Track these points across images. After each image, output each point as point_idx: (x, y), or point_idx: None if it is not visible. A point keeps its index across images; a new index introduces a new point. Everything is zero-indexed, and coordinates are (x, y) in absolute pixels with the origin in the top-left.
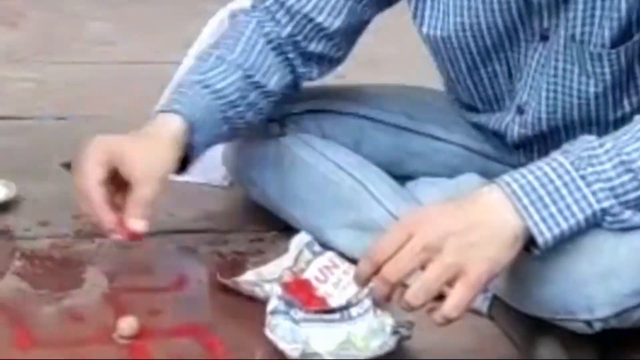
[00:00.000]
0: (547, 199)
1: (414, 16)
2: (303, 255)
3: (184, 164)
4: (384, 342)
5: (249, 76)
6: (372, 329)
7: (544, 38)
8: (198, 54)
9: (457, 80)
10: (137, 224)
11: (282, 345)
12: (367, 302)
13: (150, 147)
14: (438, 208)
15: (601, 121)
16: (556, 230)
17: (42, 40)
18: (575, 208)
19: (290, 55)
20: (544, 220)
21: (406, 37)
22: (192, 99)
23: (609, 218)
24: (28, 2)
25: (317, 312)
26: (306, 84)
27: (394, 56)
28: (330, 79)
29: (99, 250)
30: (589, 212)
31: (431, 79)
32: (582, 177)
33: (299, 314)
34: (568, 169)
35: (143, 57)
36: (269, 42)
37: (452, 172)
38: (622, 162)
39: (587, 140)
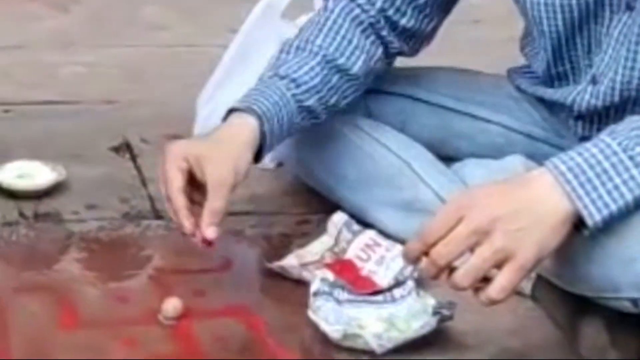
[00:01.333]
0: (596, 181)
1: None
2: (342, 234)
3: (257, 155)
4: (425, 322)
5: (331, 60)
6: (414, 310)
7: (630, 8)
8: (280, 45)
9: (540, 50)
10: (210, 232)
11: (324, 327)
12: (410, 284)
13: (225, 155)
14: (488, 191)
15: None
16: (605, 212)
17: (94, 24)
18: (624, 189)
19: (383, 33)
20: (593, 202)
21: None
22: (266, 93)
23: None
24: None
25: (363, 293)
26: None
27: (440, 38)
28: None
29: (145, 233)
30: (637, 192)
31: (476, 61)
32: (630, 158)
33: (343, 295)
34: (616, 150)
35: (193, 41)
36: (359, 24)
37: (496, 153)
38: None
39: (634, 121)
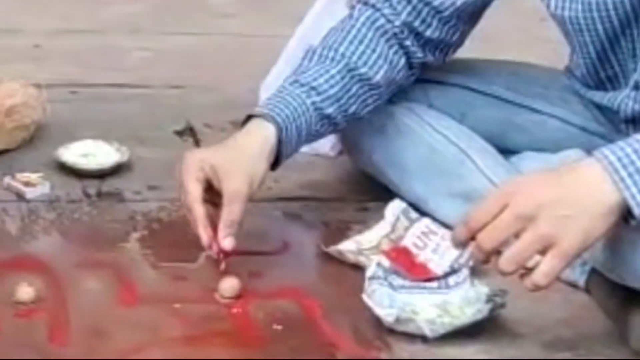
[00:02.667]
0: None
1: None
2: (400, 222)
3: (274, 162)
4: (478, 309)
5: (353, 69)
6: (468, 297)
7: None
8: (304, 52)
9: (584, 57)
10: (226, 243)
11: (378, 310)
12: (465, 272)
13: (240, 167)
14: (534, 178)
15: None
16: None
17: (162, 12)
18: None
19: (407, 43)
20: (635, 184)
21: (517, 13)
22: (285, 100)
23: None
24: None
25: (417, 280)
26: None
27: (503, 33)
28: None
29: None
30: None
31: (537, 56)
32: None
33: (398, 281)
34: None
35: (260, 29)
36: (383, 33)
37: (554, 147)
38: None
39: None
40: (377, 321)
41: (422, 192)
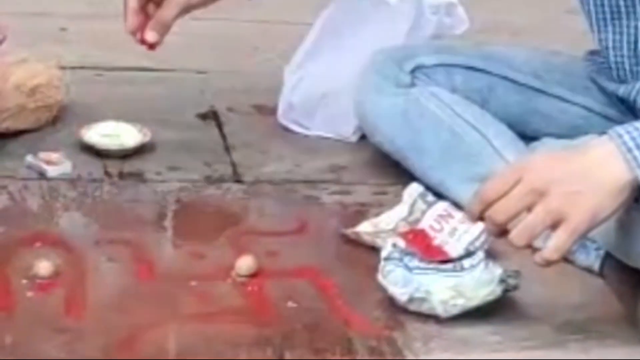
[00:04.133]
0: None
1: None
2: (417, 205)
3: None
4: (491, 290)
5: None
6: (483, 280)
7: None
8: None
9: (596, 38)
10: (150, 36)
11: (392, 290)
12: (480, 255)
13: None
14: (548, 155)
15: None
16: None
17: None
18: None
19: None
20: None
21: (544, 7)
22: None
23: None
24: None
25: (433, 262)
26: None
27: (532, 25)
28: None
29: (225, 195)
30: None
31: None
32: None
33: (413, 262)
34: None
35: (282, 17)
36: None
37: (575, 133)
38: None
39: None
40: (392, 301)
41: (443, 176)
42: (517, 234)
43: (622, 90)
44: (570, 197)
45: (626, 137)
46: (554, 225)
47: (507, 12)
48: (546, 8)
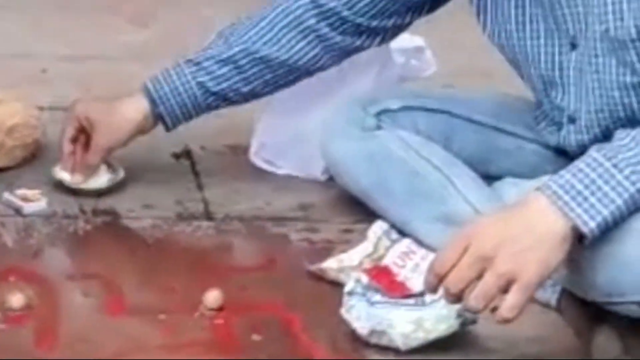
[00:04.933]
0: (585, 192)
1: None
2: (382, 242)
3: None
4: (450, 324)
5: (252, 52)
6: (443, 314)
7: (575, 46)
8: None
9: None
10: (76, 179)
11: (354, 323)
12: (441, 290)
13: (111, 128)
14: (489, 219)
15: None
16: (599, 218)
17: (170, 40)
18: (612, 194)
19: (323, 31)
20: (586, 211)
21: None
22: (170, 78)
23: None
24: (159, 4)
25: (395, 296)
26: (402, 85)
27: (503, 69)
28: (437, 87)
29: (195, 232)
30: (625, 195)
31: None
32: (614, 166)
33: (376, 297)
34: (601, 161)
35: None
36: (296, 25)
37: (533, 170)
38: None
39: (619, 136)
40: (354, 335)
41: (407, 215)
42: (474, 299)
43: (553, 140)
44: (517, 256)
45: (555, 187)
46: (507, 285)
47: (479, 55)
48: None
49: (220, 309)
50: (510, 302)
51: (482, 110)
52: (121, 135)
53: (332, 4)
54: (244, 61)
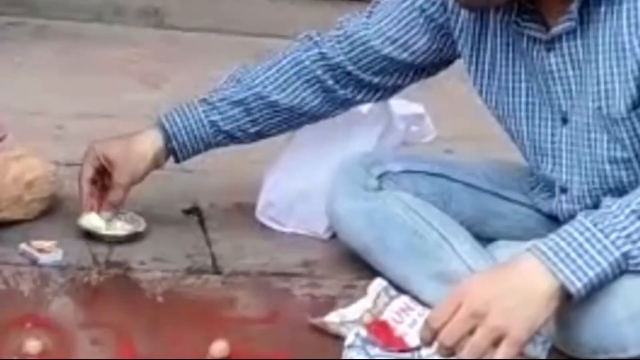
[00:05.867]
0: (573, 255)
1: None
2: (380, 298)
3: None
4: None
5: (263, 97)
6: None
7: (565, 121)
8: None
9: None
10: (105, 216)
11: None
12: (437, 345)
13: (128, 164)
14: (482, 278)
15: (634, 186)
16: (585, 279)
17: (180, 99)
18: (599, 258)
19: (328, 83)
20: (573, 272)
21: None
22: (185, 115)
23: (631, 261)
24: (171, 66)
25: (393, 350)
26: (403, 149)
27: (494, 132)
28: (439, 153)
29: (204, 285)
30: (611, 258)
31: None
32: (601, 231)
33: (374, 350)
34: (588, 226)
35: None
36: (305, 74)
37: (527, 233)
38: (633, 212)
39: (606, 204)
40: None
41: (405, 273)
42: (467, 353)
43: (546, 208)
44: (507, 313)
45: (544, 248)
46: (498, 340)
47: (477, 121)
48: None
49: (226, 359)
50: (500, 357)
51: (479, 175)
52: (140, 169)
53: (338, 59)
54: (254, 104)
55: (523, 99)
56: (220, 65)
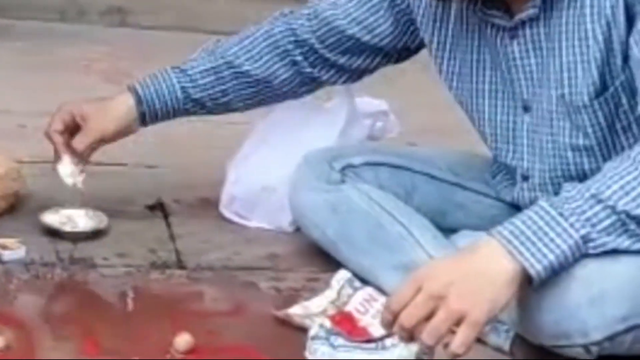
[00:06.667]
0: (533, 238)
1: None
2: (344, 290)
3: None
4: None
5: (234, 66)
6: (402, 356)
7: (527, 109)
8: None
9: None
10: (65, 157)
11: None
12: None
13: (99, 121)
14: (442, 262)
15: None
16: (545, 262)
17: None
18: (558, 240)
19: (297, 58)
20: (533, 255)
21: None
22: (157, 80)
23: (590, 244)
24: (135, 64)
25: (357, 341)
26: (366, 143)
27: (460, 127)
28: (402, 145)
29: (168, 280)
30: (570, 241)
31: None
32: (560, 214)
33: (338, 341)
34: (548, 210)
35: (229, 118)
36: (275, 47)
37: (489, 223)
38: (592, 196)
39: (566, 188)
40: None
41: (369, 264)
42: (427, 335)
43: (509, 197)
44: (467, 296)
45: (505, 232)
46: (458, 323)
47: (438, 114)
48: None
49: (190, 352)
50: (460, 339)
51: (441, 166)
52: (110, 129)
53: (306, 35)
54: (225, 73)
55: (486, 86)
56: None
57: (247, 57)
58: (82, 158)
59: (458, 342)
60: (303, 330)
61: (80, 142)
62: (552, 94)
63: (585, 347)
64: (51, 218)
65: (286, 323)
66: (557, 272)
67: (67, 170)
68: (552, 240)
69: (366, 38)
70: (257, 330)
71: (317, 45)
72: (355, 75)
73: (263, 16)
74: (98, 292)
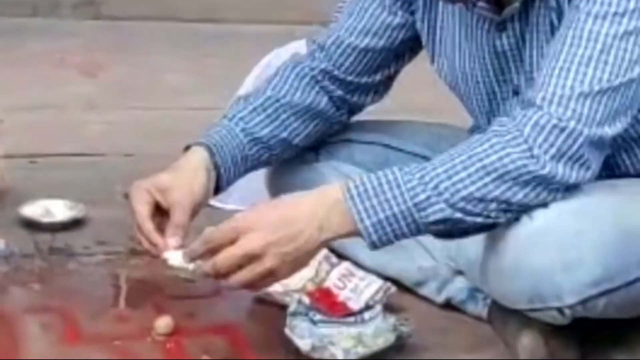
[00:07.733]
0: (371, 192)
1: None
2: (322, 266)
3: (217, 189)
4: (386, 339)
5: (277, 99)
6: (380, 329)
7: (516, 93)
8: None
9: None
10: (173, 241)
11: (297, 341)
12: (379, 308)
13: (181, 181)
14: (267, 213)
15: None
16: (374, 219)
17: (118, 89)
18: (392, 202)
19: (325, 83)
20: (365, 210)
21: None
22: (215, 129)
23: (422, 213)
24: (110, 56)
25: (336, 316)
26: None
27: (442, 104)
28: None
29: (147, 266)
30: (403, 207)
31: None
32: (403, 178)
33: (318, 317)
34: (396, 173)
35: (209, 104)
36: (303, 77)
37: None
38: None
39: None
40: (297, 352)
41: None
42: (233, 282)
43: None
44: (282, 258)
45: (350, 185)
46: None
47: (417, 92)
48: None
49: (170, 334)
50: (248, 277)
51: (416, 141)
52: (195, 186)
53: (323, 65)
54: (271, 109)
55: (477, 72)
56: (158, 52)
57: (285, 90)
58: (185, 235)
59: (240, 279)
60: (282, 307)
61: (179, 217)
62: None
63: (560, 310)
64: (29, 210)
65: (266, 302)
66: (392, 238)
67: (178, 257)
68: (387, 200)
69: (380, 43)
70: (236, 310)
71: (335, 72)
72: (382, 87)
73: (236, 5)
74: (78, 281)
